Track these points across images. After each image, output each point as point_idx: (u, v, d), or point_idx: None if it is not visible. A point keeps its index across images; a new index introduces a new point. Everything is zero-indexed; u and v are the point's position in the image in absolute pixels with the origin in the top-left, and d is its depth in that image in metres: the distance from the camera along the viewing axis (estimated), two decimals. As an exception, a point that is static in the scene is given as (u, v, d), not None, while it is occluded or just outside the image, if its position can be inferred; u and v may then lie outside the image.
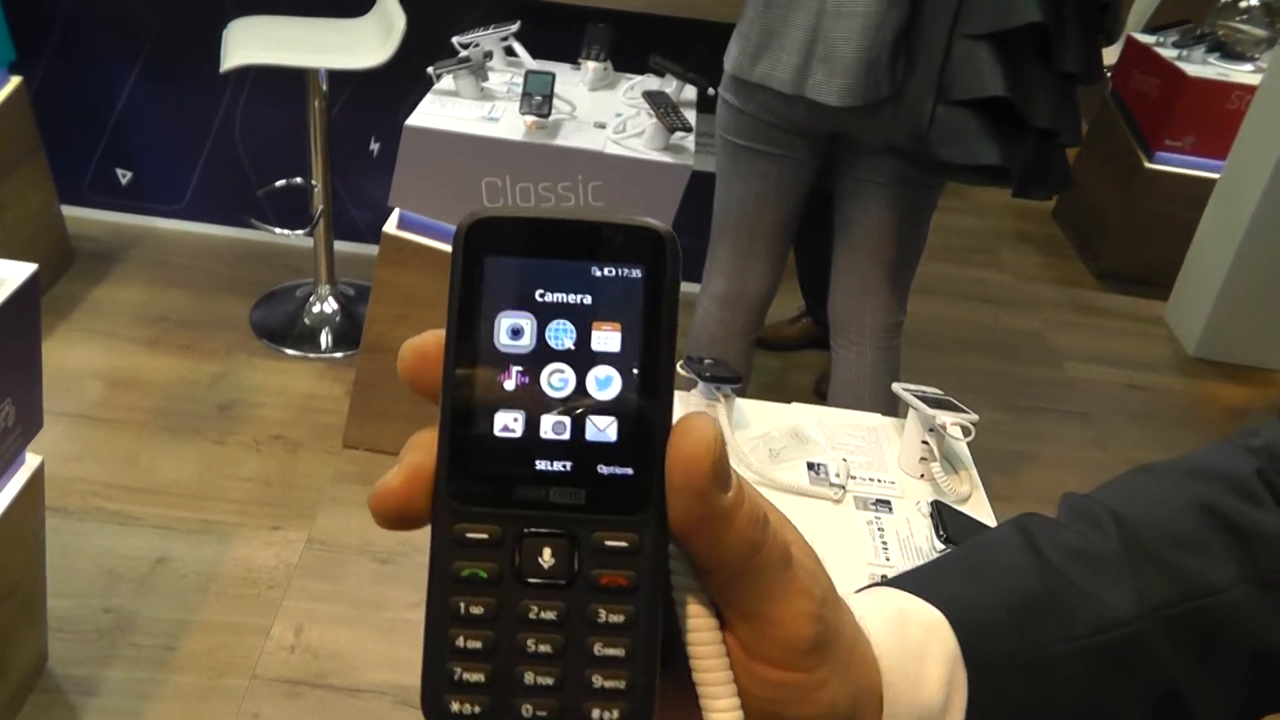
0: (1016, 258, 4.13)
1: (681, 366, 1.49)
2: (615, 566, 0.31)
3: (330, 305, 3.01)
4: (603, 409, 0.31)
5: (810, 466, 1.45)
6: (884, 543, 1.36)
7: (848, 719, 0.36)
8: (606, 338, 0.31)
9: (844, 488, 1.42)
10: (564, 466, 0.31)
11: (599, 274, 0.31)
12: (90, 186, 3.30)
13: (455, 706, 0.31)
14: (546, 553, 0.31)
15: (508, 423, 0.31)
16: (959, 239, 3.99)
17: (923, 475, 1.47)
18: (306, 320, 2.99)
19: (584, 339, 0.31)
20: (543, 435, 0.31)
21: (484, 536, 0.31)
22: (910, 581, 0.46)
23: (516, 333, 0.31)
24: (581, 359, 0.31)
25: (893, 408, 1.88)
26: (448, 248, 1.57)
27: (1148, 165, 3.88)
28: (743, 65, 2.01)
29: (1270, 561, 0.52)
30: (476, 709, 0.31)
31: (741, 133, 2.09)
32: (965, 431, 1.43)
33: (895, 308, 2.23)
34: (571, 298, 0.31)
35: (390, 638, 2.13)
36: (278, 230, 2.98)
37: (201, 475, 2.46)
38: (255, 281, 3.15)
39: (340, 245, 3.02)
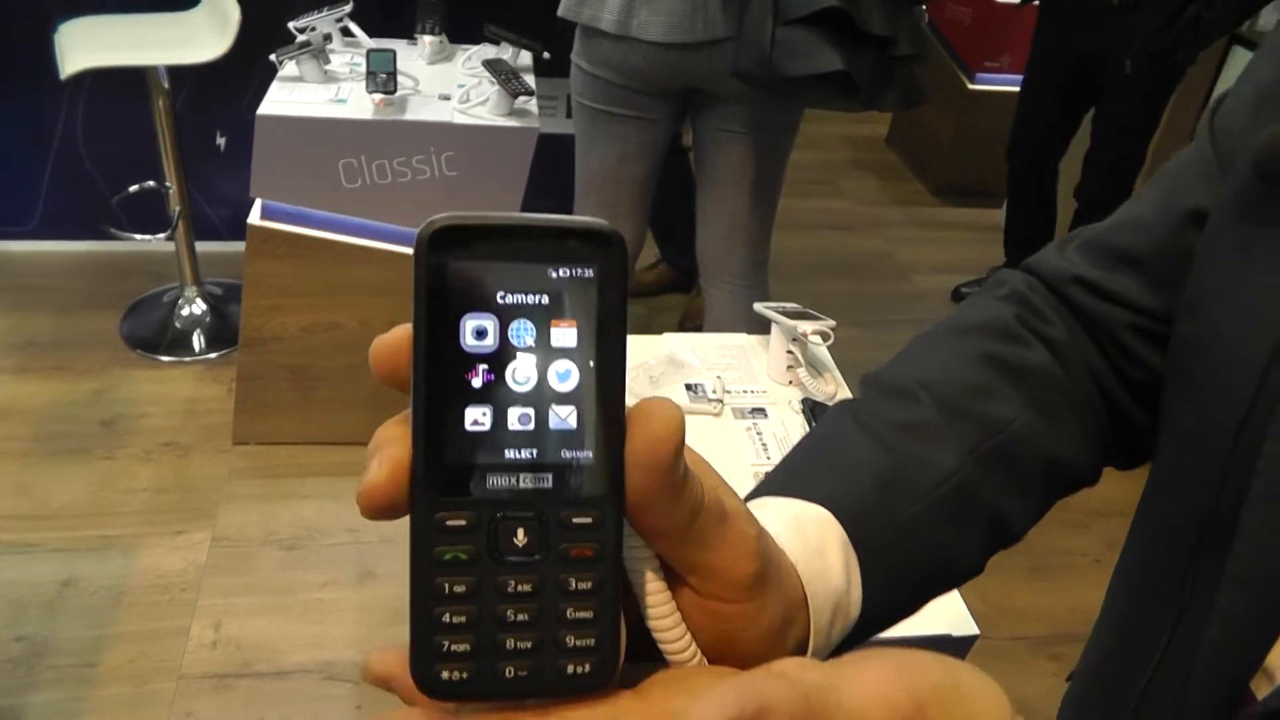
0: (856, 185, 4.34)
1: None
2: (581, 540, 0.33)
3: (199, 307, 2.98)
4: (563, 400, 0.33)
5: (688, 387, 1.57)
6: (764, 445, 1.49)
7: (784, 626, 0.40)
8: (564, 334, 0.33)
9: (721, 402, 1.55)
10: (531, 454, 0.33)
11: (555, 275, 0.33)
12: (-67, 219, 3.18)
13: (445, 675, 0.33)
14: (520, 533, 0.33)
15: (477, 417, 0.33)
16: (799, 173, 4.10)
17: (791, 381, 1.61)
18: (178, 325, 2.96)
19: (544, 336, 0.33)
20: (510, 427, 0.33)
21: (462, 523, 0.33)
22: (785, 487, 0.52)
23: (481, 333, 0.32)
24: (542, 355, 0.33)
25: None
26: (315, 233, 1.66)
27: (970, 87, 4.14)
28: (569, 6, 2.07)
29: (1040, 388, 0.62)
30: (464, 675, 0.33)
31: (597, 97, 2.15)
32: (824, 337, 1.56)
33: (760, 247, 2.35)
34: (531, 299, 0.33)
35: (307, 619, 2.18)
36: (138, 237, 2.93)
37: (96, 493, 2.45)
38: (119, 293, 3.09)
39: (201, 246, 2.98)
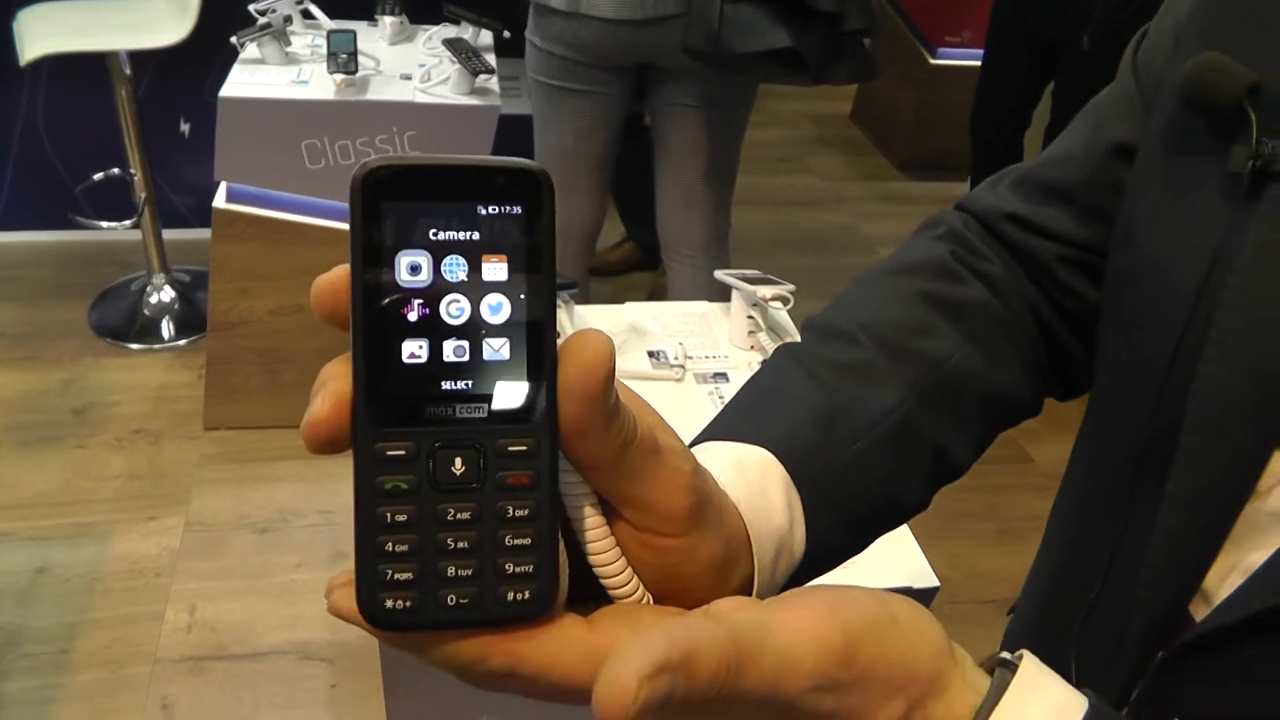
0: (821, 161, 4.36)
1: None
2: (517, 468, 0.34)
3: (168, 294, 2.98)
4: (496, 332, 0.34)
5: (651, 354, 1.59)
6: (725, 408, 1.51)
7: (725, 563, 0.41)
8: (495, 269, 0.34)
9: (683, 367, 1.57)
10: (466, 385, 0.34)
11: (484, 212, 0.34)
12: (-105, 214, 3.16)
13: (389, 603, 0.34)
14: (458, 461, 0.34)
15: (414, 350, 0.34)
16: (764, 150, 4.18)
17: (752, 346, 1.63)
18: (146, 312, 2.95)
19: (475, 271, 0.34)
20: (445, 359, 0.34)
21: (401, 453, 0.34)
22: (728, 431, 0.52)
23: (415, 269, 0.34)
24: (474, 289, 0.34)
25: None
26: (280, 215, 1.68)
27: (932, 62, 4.17)
28: None
29: (978, 323, 0.63)
30: (408, 603, 0.34)
31: (551, 73, 2.17)
32: (784, 301, 1.59)
33: (720, 219, 2.38)
34: (461, 235, 0.34)
35: (282, 600, 2.19)
36: (104, 225, 2.92)
37: (68, 481, 2.45)
38: (87, 283, 3.08)
39: (168, 234, 2.97)
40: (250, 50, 2.41)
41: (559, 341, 0.35)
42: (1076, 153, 0.67)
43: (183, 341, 2.91)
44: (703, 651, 0.32)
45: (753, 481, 0.48)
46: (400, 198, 0.33)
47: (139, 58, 2.70)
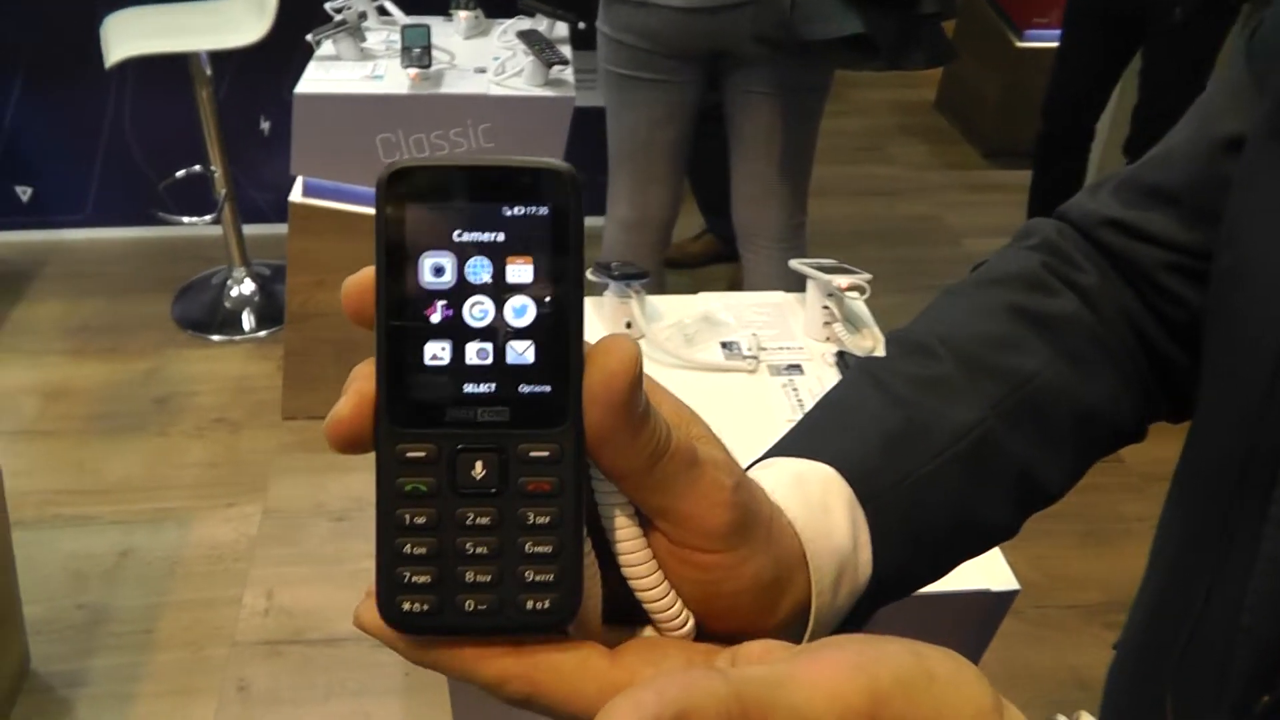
0: (903, 150, 4.27)
1: (591, 273, 1.57)
2: (539, 474, 0.34)
3: (248, 286, 3.04)
4: (520, 334, 0.34)
5: (724, 345, 1.56)
6: (799, 401, 1.47)
7: (774, 583, 0.39)
8: (520, 271, 0.33)
9: (756, 359, 1.53)
10: (489, 388, 0.34)
11: (509, 213, 0.33)
12: (-8, 210, 3.28)
13: (407, 606, 0.34)
14: (478, 465, 0.34)
15: (436, 352, 0.34)
16: (845, 140, 4.11)
17: (828, 338, 1.59)
18: (227, 305, 3.02)
19: (500, 273, 0.33)
20: (468, 362, 0.34)
21: (422, 455, 0.34)
22: (792, 448, 0.50)
23: (439, 271, 0.33)
24: (499, 291, 0.33)
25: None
26: (355, 209, 1.68)
27: (1019, 45, 4.05)
28: None
29: (1069, 337, 0.59)
30: (426, 607, 0.34)
31: (623, 62, 2.15)
32: (860, 291, 1.54)
33: (796, 209, 2.33)
34: (486, 236, 0.33)
35: (356, 588, 2.20)
36: (186, 220, 3.00)
37: (150, 468, 2.51)
38: (170, 277, 3.16)
39: (248, 229, 3.04)
40: (326, 47, 2.44)
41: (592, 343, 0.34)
42: (1181, 151, 0.62)
43: (262, 333, 2.96)
44: (696, 710, 0.29)
45: (812, 498, 0.45)
46: (425, 199, 0.33)
47: (220, 58, 2.75)
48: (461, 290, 0.33)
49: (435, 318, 0.33)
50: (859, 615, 0.47)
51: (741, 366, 1.52)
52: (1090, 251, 0.64)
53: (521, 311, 0.34)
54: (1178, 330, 0.62)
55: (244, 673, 2.04)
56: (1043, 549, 2.27)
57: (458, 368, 0.34)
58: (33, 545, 2.23)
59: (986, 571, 1.24)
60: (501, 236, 0.33)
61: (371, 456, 0.34)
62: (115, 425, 2.63)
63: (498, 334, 0.34)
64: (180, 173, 3.05)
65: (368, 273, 0.34)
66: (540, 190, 0.33)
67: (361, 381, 0.34)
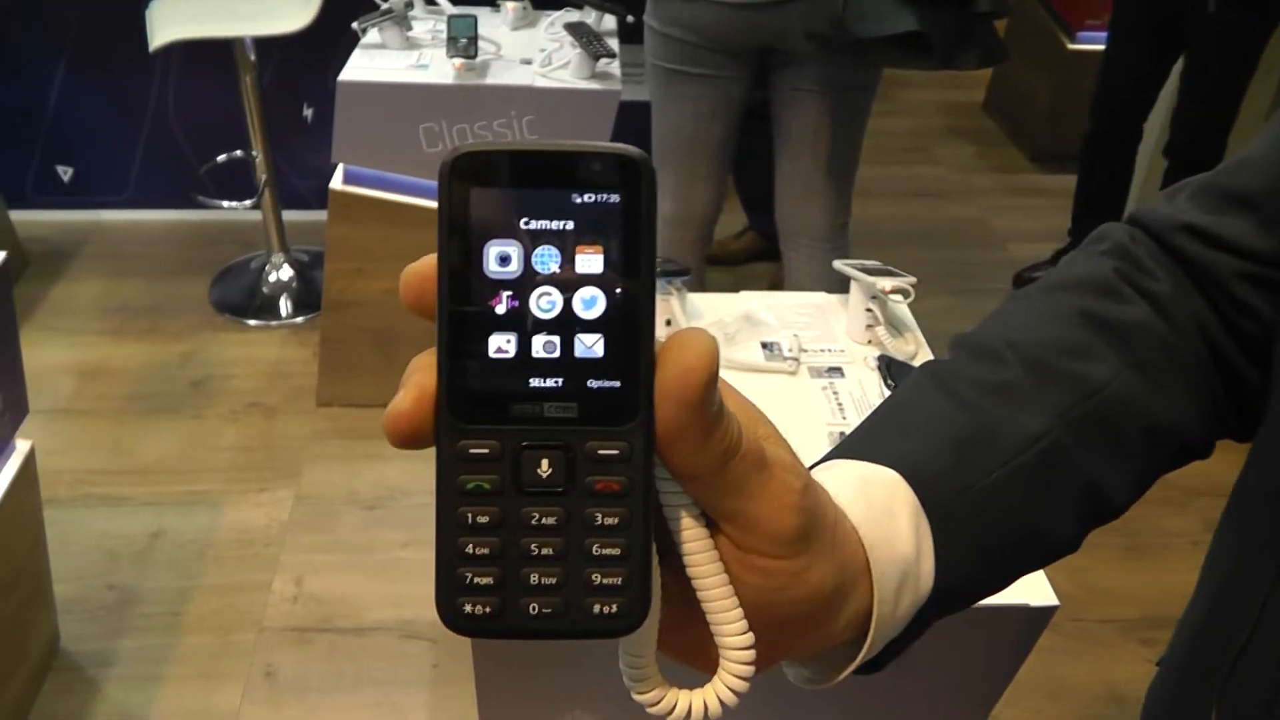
0: (950, 152, 4.22)
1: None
2: (608, 473, 0.32)
3: (286, 272, 3.04)
4: (589, 327, 0.32)
5: (764, 345, 1.53)
6: (839, 404, 1.45)
7: (837, 591, 0.39)
8: (589, 260, 0.32)
9: (797, 360, 1.51)
10: (556, 383, 0.32)
11: (579, 200, 0.32)
12: (33, 188, 3.30)
13: (468, 608, 0.33)
14: (544, 463, 0.32)
15: (501, 344, 0.32)
16: (892, 140, 4.06)
17: (870, 341, 1.56)
18: (265, 290, 3.03)
19: (568, 262, 0.32)
20: (534, 355, 0.32)
21: (485, 451, 0.32)
22: (855, 450, 0.49)
23: (504, 260, 0.32)
24: (567, 281, 0.32)
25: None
26: (396, 198, 1.66)
27: (1071, 47, 3.98)
28: None
29: (1141, 346, 0.57)
30: (488, 609, 0.33)
31: (670, 57, 2.13)
32: (904, 294, 1.51)
33: (840, 209, 2.30)
34: (554, 224, 0.32)
35: (387, 577, 2.21)
36: (226, 204, 3.01)
37: (184, 450, 2.52)
38: (209, 260, 3.18)
39: (288, 215, 3.04)
40: (371, 35, 2.43)
41: (662, 337, 0.32)
42: (1262, 154, 0.59)
43: (300, 319, 2.97)
44: None
45: (877, 503, 0.44)
46: (491, 184, 0.32)
47: (265, 44, 2.76)
48: (528, 280, 0.32)
49: (500, 308, 0.32)
50: (918, 626, 0.46)
51: (782, 368, 1.49)
52: (1163, 258, 0.61)
53: (591, 303, 0.32)
54: (1248, 344, 0.60)
55: (271, 659, 2.04)
56: (1081, 561, 2.18)
57: (523, 361, 0.32)
58: (65, 524, 2.24)
59: (1025, 586, 1.21)
60: (571, 225, 0.32)
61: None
62: (151, 406, 2.64)
63: (566, 326, 0.32)
64: (221, 157, 3.06)
65: (429, 260, 0.32)
66: (611, 177, 0.32)
67: (422, 374, 0.33)
